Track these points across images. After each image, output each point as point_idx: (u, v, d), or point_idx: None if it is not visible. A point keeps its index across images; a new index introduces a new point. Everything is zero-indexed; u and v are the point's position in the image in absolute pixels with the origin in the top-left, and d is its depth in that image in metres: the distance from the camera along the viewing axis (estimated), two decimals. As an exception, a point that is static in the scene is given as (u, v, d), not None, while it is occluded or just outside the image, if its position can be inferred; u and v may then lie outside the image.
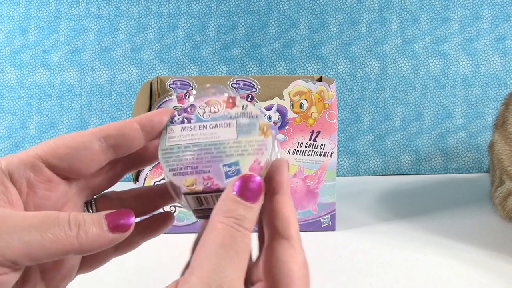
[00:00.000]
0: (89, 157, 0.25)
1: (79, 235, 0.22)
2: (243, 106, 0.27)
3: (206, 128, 0.27)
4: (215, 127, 0.27)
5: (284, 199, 0.26)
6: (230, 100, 0.27)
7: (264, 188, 0.24)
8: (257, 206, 0.24)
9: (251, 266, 0.28)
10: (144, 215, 0.29)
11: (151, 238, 0.29)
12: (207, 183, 0.25)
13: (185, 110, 0.28)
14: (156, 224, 0.29)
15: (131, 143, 0.26)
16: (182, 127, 0.27)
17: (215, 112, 0.27)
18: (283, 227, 0.26)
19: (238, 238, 0.22)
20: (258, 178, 0.24)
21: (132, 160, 0.28)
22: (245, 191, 0.23)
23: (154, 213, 0.30)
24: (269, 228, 0.27)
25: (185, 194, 0.26)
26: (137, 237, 0.28)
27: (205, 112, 0.27)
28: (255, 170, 0.25)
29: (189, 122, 0.27)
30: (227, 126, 0.27)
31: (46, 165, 0.24)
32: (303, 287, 0.24)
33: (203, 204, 0.27)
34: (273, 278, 0.24)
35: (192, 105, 0.28)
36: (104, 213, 0.23)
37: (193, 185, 0.26)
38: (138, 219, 0.27)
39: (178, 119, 0.28)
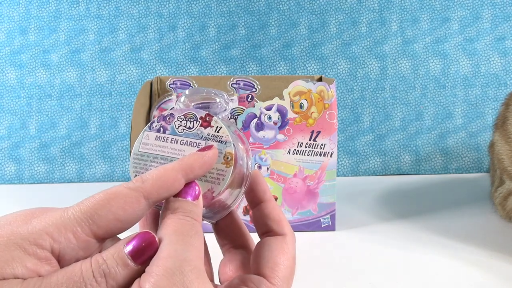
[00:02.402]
0: (135, 222, 0.24)
1: (109, 284, 0.21)
2: (216, 128, 0.27)
3: (177, 142, 0.27)
4: (185, 144, 0.27)
5: (271, 204, 0.28)
6: (207, 119, 0.28)
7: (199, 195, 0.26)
8: (199, 203, 0.25)
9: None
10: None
11: None
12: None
13: (164, 118, 0.28)
14: None
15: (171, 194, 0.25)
16: (156, 136, 0.28)
17: (189, 128, 0.28)
18: (278, 227, 0.28)
19: (187, 226, 0.23)
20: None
21: None
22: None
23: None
24: (262, 230, 0.28)
25: None
26: None
27: (180, 125, 0.28)
28: (206, 198, 0.26)
29: (164, 132, 0.28)
30: (195, 146, 0.27)
31: (96, 238, 0.23)
32: (285, 274, 0.25)
33: None
34: (260, 263, 0.26)
35: (171, 115, 0.28)
36: (123, 248, 0.22)
37: None
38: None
39: (156, 126, 0.28)
